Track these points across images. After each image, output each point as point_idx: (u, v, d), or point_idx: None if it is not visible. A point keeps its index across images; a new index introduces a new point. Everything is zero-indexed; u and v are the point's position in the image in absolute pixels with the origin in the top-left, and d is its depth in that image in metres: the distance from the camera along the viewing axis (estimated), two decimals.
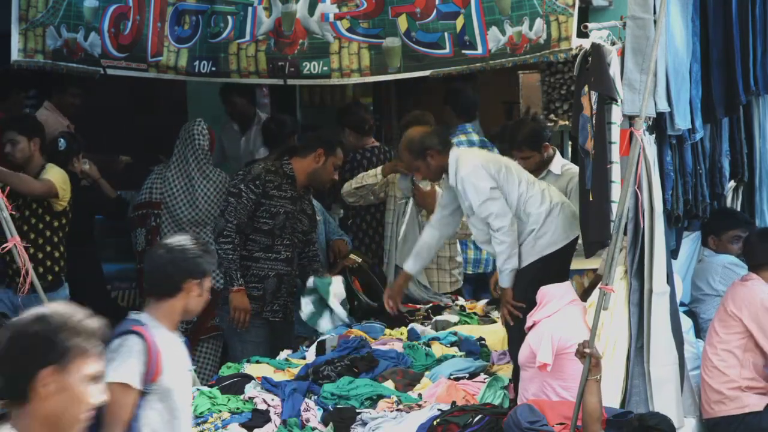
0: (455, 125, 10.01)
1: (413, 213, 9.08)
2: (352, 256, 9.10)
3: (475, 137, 10.17)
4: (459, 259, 9.39)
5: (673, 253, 7.22)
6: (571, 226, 7.35)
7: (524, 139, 8.59)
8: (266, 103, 12.22)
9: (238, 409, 7.00)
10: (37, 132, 9.04)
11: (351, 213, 9.86)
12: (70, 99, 10.75)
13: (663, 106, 6.78)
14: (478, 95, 10.59)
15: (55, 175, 8.86)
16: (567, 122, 10.61)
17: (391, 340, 7.99)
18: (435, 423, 6.56)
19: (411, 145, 7.65)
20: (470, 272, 9.74)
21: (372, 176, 9.12)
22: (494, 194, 7.29)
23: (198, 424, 6.85)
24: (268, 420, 6.91)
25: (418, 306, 8.88)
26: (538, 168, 8.51)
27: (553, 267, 7.29)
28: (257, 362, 7.79)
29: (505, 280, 7.33)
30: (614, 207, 6.63)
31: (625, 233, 6.58)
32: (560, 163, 8.80)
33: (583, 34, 7.15)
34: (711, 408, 7.22)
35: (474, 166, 7.38)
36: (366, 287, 8.87)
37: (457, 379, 7.25)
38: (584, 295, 7.25)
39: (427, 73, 8.11)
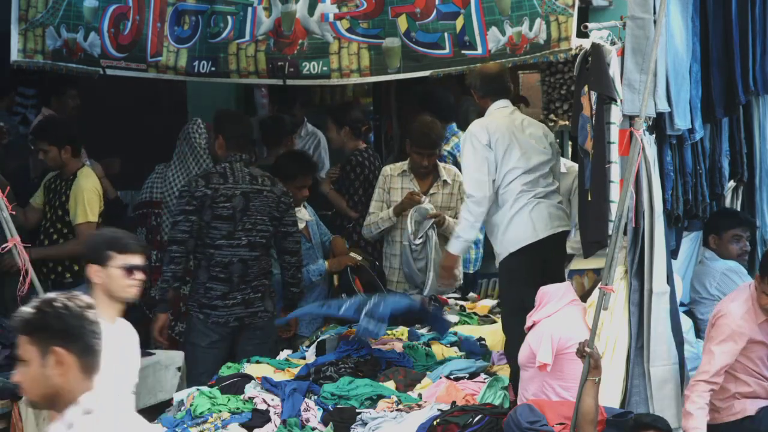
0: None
1: (437, 245, 9.07)
2: (352, 254, 9.11)
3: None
4: None
5: (673, 253, 7.22)
6: (545, 224, 7.42)
7: None
8: (264, 104, 12.23)
9: (238, 409, 7.00)
10: (67, 139, 9.14)
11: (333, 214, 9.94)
12: (70, 101, 10.77)
13: (663, 106, 6.78)
14: (451, 95, 10.62)
15: (84, 196, 9.03)
16: (567, 122, 10.62)
17: (391, 340, 7.99)
18: (435, 423, 6.56)
19: (469, 73, 7.93)
20: None
21: (387, 220, 9.16)
22: (480, 164, 7.49)
23: (198, 424, 6.86)
24: (268, 420, 6.91)
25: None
26: None
27: (531, 264, 7.40)
28: (257, 362, 7.79)
29: (454, 246, 7.72)
30: (613, 207, 6.63)
31: (625, 233, 6.58)
32: (562, 161, 8.86)
33: (583, 34, 7.15)
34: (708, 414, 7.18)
35: (482, 126, 7.57)
36: (366, 286, 8.88)
37: (457, 379, 7.25)
38: (584, 296, 7.25)
39: (426, 73, 8.12)
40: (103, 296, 5.61)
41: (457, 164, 9.98)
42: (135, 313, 9.99)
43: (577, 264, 7.54)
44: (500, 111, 7.71)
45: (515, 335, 7.22)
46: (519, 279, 7.40)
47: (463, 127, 10.10)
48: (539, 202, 7.52)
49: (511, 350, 7.27)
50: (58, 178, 9.21)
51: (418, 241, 9.03)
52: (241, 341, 8.40)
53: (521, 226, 7.47)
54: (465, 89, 11.54)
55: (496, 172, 7.53)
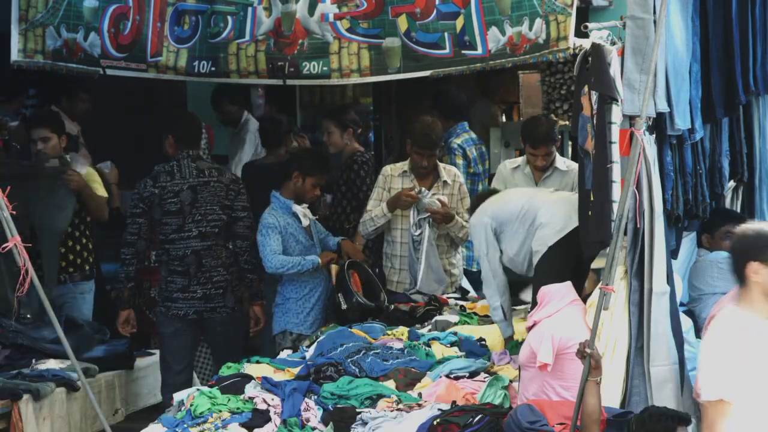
0: (448, 126, 10.07)
1: (431, 238, 9.08)
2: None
3: (474, 135, 10.23)
4: (454, 260, 9.39)
5: (673, 253, 7.22)
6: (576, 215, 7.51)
7: (546, 137, 8.85)
8: (261, 104, 12.23)
9: (238, 409, 7.00)
10: (64, 128, 9.28)
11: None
12: (81, 104, 10.79)
13: (663, 106, 6.78)
14: (463, 95, 10.65)
15: (97, 178, 9.26)
16: (567, 122, 10.62)
17: (391, 340, 7.99)
18: (435, 423, 6.56)
19: None
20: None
21: (382, 216, 9.19)
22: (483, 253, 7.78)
23: (198, 424, 6.85)
24: (268, 420, 6.91)
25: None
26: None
27: (570, 254, 7.47)
28: (257, 362, 7.80)
29: (499, 324, 7.95)
30: (615, 207, 6.63)
31: (625, 233, 6.58)
32: (562, 160, 8.95)
33: (582, 34, 7.16)
34: None
35: (479, 223, 7.85)
36: (365, 284, 8.86)
37: (457, 378, 7.25)
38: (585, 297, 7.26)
39: (427, 73, 8.12)
40: (760, 295, 5.47)
41: (466, 157, 10.01)
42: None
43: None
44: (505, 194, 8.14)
45: None
46: (556, 272, 7.42)
47: (474, 127, 10.18)
48: (560, 197, 7.58)
49: None
50: None
51: (417, 233, 9.06)
52: (207, 335, 8.91)
53: (555, 219, 7.52)
54: (483, 90, 11.63)
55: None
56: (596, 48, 6.68)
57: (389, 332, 8.22)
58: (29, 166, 9.03)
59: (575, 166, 8.52)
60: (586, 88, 6.79)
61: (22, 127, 10.70)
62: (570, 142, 11.17)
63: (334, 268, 8.90)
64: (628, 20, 6.64)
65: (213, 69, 8.42)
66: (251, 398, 7.11)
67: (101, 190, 9.27)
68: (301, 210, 8.88)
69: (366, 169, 9.86)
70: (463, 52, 7.93)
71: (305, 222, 8.90)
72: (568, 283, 7.01)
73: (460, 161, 9.83)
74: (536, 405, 6.43)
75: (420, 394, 7.15)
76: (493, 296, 7.79)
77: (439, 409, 6.76)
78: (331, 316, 8.94)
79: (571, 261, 7.44)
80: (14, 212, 6.95)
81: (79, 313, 9.09)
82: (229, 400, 7.11)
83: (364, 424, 6.75)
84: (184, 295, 8.68)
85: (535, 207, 7.67)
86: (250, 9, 8.28)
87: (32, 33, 8.58)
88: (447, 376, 7.27)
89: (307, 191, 8.90)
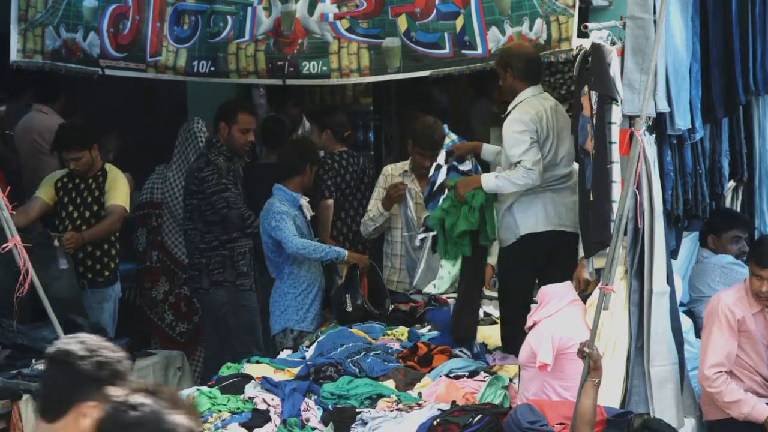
0: None
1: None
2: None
3: (454, 136, 10.22)
4: None
5: (673, 253, 7.22)
6: (550, 219, 7.46)
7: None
8: (263, 104, 12.21)
9: (238, 409, 7.01)
10: (94, 139, 9.12)
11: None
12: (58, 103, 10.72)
13: (663, 106, 6.78)
14: (445, 96, 10.63)
15: (120, 185, 9.11)
16: None
17: (391, 340, 7.99)
18: (435, 423, 6.56)
19: (504, 54, 7.66)
20: None
21: (380, 216, 9.15)
22: (525, 138, 7.41)
23: None
24: (268, 420, 6.92)
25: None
26: None
27: (535, 253, 7.53)
28: (257, 362, 7.80)
29: (487, 182, 7.51)
30: (615, 207, 6.63)
31: (625, 233, 6.57)
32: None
33: (583, 34, 7.15)
34: (706, 411, 7.20)
35: (531, 117, 7.47)
36: (372, 287, 8.81)
37: (457, 377, 7.25)
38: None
39: (426, 73, 8.12)
40: None
41: None
42: (135, 312, 10.02)
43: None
44: (537, 99, 7.60)
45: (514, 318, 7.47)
46: (517, 265, 7.55)
47: (463, 129, 10.14)
48: (554, 194, 7.56)
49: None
50: (76, 177, 9.08)
51: (421, 235, 9.04)
52: None
53: (531, 214, 7.51)
54: (479, 92, 11.58)
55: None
56: (596, 48, 6.68)
57: (389, 332, 8.22)
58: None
59: (575, 165, 8.52)
60: (586, 88, 6.79)
61: (12, 111, 10.67)
62: None
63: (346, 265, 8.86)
64: (628, 20, 6.64)
65: (212, 69, 8.42)
66: (251, 398, 7.11)
67: (120, 198, 9.00)
68: (305, 203, 8.90)
69: (332, 174, 9.71)
70: (463, 52, 7.94)
71: (308, 215, 8.93)
72: (568, 283, 7.01)
73: None
74: (536, 405, 6.43)
75: (420, 394, 7.15)
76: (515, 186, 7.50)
77: (439, 409, 6.77)
78: (331, 312, 8.90)
79: (536, 257, 7.55)
80: (14, 212, 6.91)
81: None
82: (228, 400, 7.11)
83: (364, 424, 6.76)
84: (188, 275, 9.20)
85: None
86: (249, 9, 8.28)
87: (31, 33, 8.58)
88: (447, 375, 7.28)
89: (311, 182, 9.03)
